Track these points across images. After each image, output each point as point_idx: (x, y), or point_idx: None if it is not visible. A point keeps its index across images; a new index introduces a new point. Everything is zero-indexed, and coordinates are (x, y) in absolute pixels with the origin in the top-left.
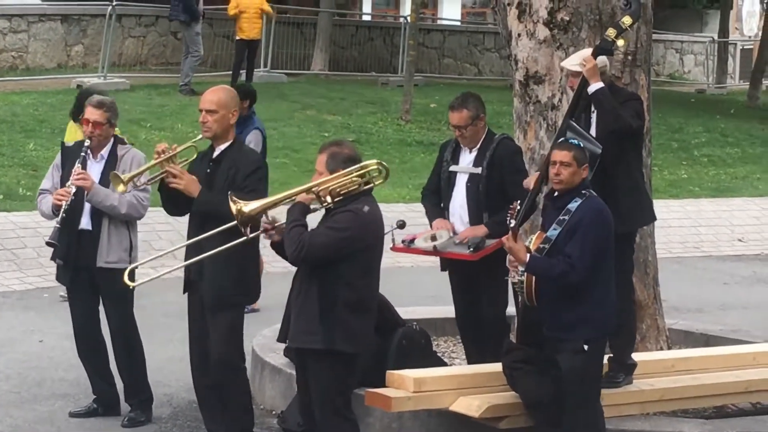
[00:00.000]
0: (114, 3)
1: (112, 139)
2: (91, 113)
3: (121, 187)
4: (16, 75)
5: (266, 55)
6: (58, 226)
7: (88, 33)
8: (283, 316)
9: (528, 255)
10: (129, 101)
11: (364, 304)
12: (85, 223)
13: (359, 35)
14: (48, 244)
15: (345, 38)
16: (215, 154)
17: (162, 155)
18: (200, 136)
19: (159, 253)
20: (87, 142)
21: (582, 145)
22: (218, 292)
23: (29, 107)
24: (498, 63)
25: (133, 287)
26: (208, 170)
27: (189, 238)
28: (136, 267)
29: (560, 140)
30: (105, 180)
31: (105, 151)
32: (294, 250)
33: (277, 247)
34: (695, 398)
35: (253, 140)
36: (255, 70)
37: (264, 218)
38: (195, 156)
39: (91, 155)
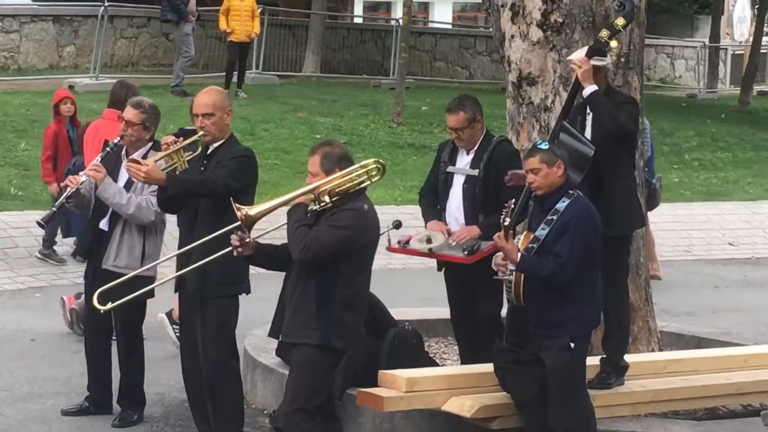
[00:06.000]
0: (106, 4)
1: (150, 144)
2: (127, 112)
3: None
4: (7, 75)
5: (258, 57)
6: (54, 209)
7: (80, 34)
8: (275, 311)
9: (519, 254)
10: None
11: (358, 301)
12: (104, 223)
13: (351, 38)
14: (38, 223)
15: (337, 40)
16: (209, 151)
17: (170, 147)
18: (201, 132)
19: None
20: (117, 139)
21: (549, 147)
22: (201, 283)
23: (21, 107)
24: (489, 66)
25: (103, 311)
26: (202, 168)
27: (180, 240)
28: (106, 290)
29: (530, 148)
30: (132, 182)
31: (139, 154)
32: (301, 251)
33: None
34: (686, 400)
35: None
36: (247, 71)
37: (233, 235)
38: (200, 150)
39: (125, 156)
